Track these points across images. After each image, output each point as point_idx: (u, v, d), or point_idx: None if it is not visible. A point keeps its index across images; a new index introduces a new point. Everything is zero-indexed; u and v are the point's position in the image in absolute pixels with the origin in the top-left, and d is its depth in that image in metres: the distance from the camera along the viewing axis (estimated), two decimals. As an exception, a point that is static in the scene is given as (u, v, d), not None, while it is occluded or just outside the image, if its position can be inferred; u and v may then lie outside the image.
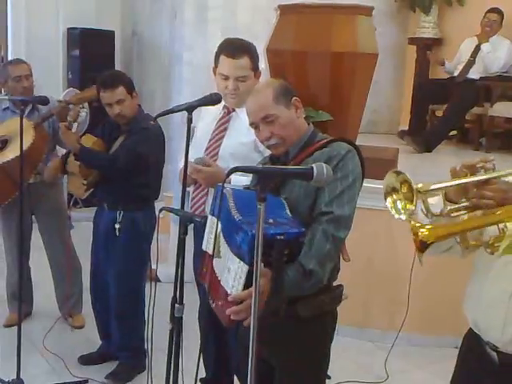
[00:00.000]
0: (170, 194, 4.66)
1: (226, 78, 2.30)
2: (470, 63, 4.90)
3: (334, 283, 1.81)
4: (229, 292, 1.57)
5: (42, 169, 3.25)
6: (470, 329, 1.70)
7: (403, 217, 1.46)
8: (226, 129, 2.40)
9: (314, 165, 1.45)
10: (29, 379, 2.80)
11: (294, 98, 1.78)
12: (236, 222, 1.57)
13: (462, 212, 1.47)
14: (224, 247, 1.62)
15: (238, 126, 2.33)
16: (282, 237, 1.51)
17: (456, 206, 1.46)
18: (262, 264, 1.49)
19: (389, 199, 1.47)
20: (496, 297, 1.57)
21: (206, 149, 2.40)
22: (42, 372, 3.01)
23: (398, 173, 1.45)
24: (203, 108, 2.43)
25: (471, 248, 1.53)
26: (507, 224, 1.35)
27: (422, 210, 1.49)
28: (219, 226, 1.65)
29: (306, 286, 1.63)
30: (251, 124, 1.81)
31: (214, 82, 2.45)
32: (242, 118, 2.30)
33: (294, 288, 1.60)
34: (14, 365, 2.73)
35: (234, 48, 2.29)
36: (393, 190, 1.46)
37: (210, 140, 2.41)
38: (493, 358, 1.61)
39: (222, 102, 2.35)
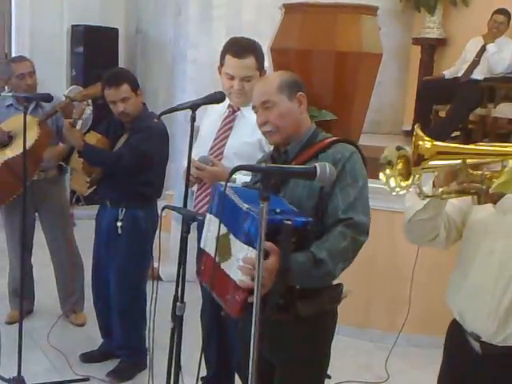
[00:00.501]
0: (172, 192, 4.66)
1: (232, 77, 2.29)
2: (475, 63, 4.88)
3: (334, 282, 1.81)
4: (238, 282, 1.57)
5: (46, 166, 3.25)
6: (453, 320, 1.72)
7: (398, 190, 1.46)
8: (231, 128, 2.40)
9: (317, 164, 1.45)
10: (30, 377, 2.81)
11: (300, 93, 1.78)
12: (243, 211, 1.58)
13: (453, 195, 1.49)
14: (234, 244, 1.62)
15: (243, 126, 2.33)
16: (290, 222, 1.53)
17: (447, 188, 1.47)
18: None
19: (382, 174, 1.48)
20: (481, 287, 1.59)
21: (211, 148, 2.40)
22: (43, 369, 3.01)
23: (399, 148, 1.45)
24: (209, 106, 2.44)
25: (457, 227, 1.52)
26: (510, 161, 1.34)
27: (414, 191, 1.49)
28: (223, 228, 1.65)
29: (315, 274, 1.61)
30: (253, 107, 1.82)
31: (218, 81, 2.45)
32: (247, 117, 2.30)
33: (302, 273, 1.59)
34: (15, 362, 2.73)
35: (240, 48, 2.29)
36: (388, 164, 1.46)
37: (215, 139, 2.40)
38: (475, 348, 1.63)
39: (227, 101, 2.35)
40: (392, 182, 1.46)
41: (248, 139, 2.25)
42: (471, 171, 1.43)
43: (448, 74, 5.14)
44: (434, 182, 1.51)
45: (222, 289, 1.65)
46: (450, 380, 1.76)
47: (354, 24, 3.84)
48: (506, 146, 1.40)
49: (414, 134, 1.40)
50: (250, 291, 1.53)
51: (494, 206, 1.47)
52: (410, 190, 1.47)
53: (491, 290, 1.57)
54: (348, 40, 3.79)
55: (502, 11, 4.79)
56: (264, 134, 1.82)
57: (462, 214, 1.67)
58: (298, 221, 1.57)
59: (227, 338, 2.49)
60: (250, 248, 1.55)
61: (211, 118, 2.48)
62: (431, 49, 5.62)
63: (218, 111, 2.44)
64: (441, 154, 1.38)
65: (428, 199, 1.53)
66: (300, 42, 3.89)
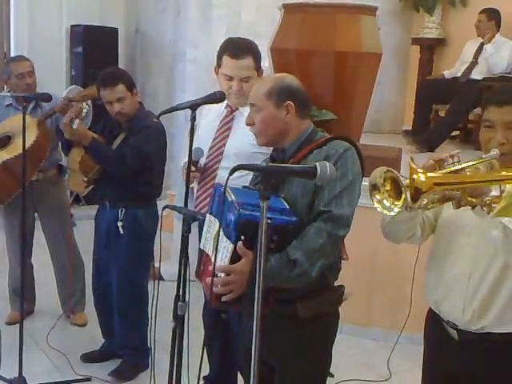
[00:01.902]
0: (173, 192, 4.66)
1: (230, 78, 2.29)
2: (473, 64, 4.90)
3: (336, 283, 1.81)
4: (214, 289, 1.58)
5: (46, 166, 3.25)
6: (429, 311, 1.79)
7: (396, 210, 1.46)
8: (229, 128, 2.40)
9: (317, 163, 1.45)
10: (31, 377, 2.80)
11: (289, 102, 1.75)
12: (229, 201, 1.59)
13: (436, 204, 1.51)
14: (222, 238, 1.63)
15: (242, 125, 2.32)
16: (270, 221, 1.50)
17: (431, 197, 1.49)
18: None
19: (374, 199, 1.48)
20: (456, 278, 1.65)
21: (210, 148, 2.39)
22: (44, 370, 3.01)
23: (388, 170, 1.45)
24: (205, 106, 2.44)
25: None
26: (507, 185, 1.36)
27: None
28: (217, 224, 1.65)
29: (290, 275, 1.60)
30: (249, 104, 1.83)
31: (217, 80, 2.44)
32: (246, 116, 2.30)
33: (275, 275, 1.58)
34: (16, 363, 2.73)
35: (238, 48, 2.28)
36: (373, 188, 1.47)
37: (214, 139, 2.40)
38: (453, 335, 1.69)
39: (225, 101, 2.35)
40: (386, 203, 1.47)
41: (247, 139, 2.24)
42: (470, 199, 1.45)
43: (448, 74, 5.15)
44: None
45: (206, 272, 1.66)
46: (432, 368, 1.81)
47: (354, 24, 3.84)
48: (500, 171, 1.42)
49: (408, 166, 1.40)
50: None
51: (472, 210, 1.49)
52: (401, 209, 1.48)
53: (465, 284, 1.63)
54: (348, 40, 3.79)
55: (482, 10, 4.87)
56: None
57: (434, 211, 1.73)
58: (280, 219, 1.55)
59: (230, 338, 2.49)
60: (228, 241, 1.56)
61: (208, 117, 2.47)
62: (430, 49, 5.64)
63: (215, 111, 2.44)
64: (438, 184, 1.39)
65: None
66: (300, 42, 3.89)
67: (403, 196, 1.40)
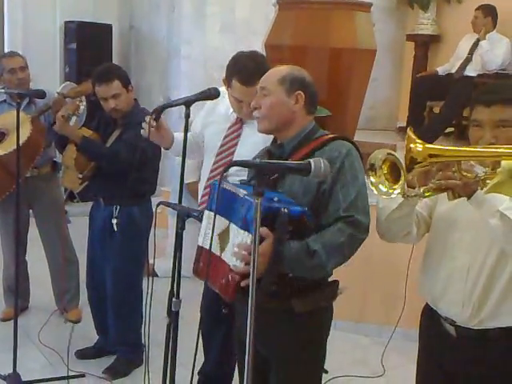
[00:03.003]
0: (167, 188, 4.66)
1: (240, 101, 2.28)
2: (468, 60, 4.91)
3: (330, 279, 1.81)
4: (231, 266, 1.59)
5: (40, 163, 3.24)
6: (425, 307, 1.78)
7: (390, 193, 1.47)
8: (239, 135, 2.39)
9: (311, 159, 1.45)
10: (25, 373, 2.80)
11: (299, 91, 1.75)
12: (240, 197, 1.60)
13: (432, 192, 1.51)
14: (232, 232, 1.63)
15: (253, 134, 2.28)
16: (286, 210, 1.54)
17: (427, 186, 1.49)
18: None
19: (369, 182, 1.49)
20: (454, 273, 1.64)
21: (218, 154, 2.39)
22: (38, 366, 3.01)
23: (390, 154, 1.46)
24: (210, 109, 2.43)
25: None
26: (503, 162, 1.34)
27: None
28: (224, 221, 1.65)
29: (307, 264, 1.62)
30: (259, 87, 1.83)
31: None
32: (255, 124, 2.28)
33: (294, 261, 1.60)
34: (11, 359, 2.73)
35: (247, 75, 2.20)
36: (370, 169, 1.48)
37: (222, 145, 2.39)
38: (450, 332, 1.68)
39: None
40: (382, 188, 1.48)
41: (257, 148, 2.10)
42: (465, 173, 1.45)
43: (441, 70, 5.16)
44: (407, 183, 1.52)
45: (218, 275, 1.66)
46: (428, 365, 1.80)
47: (348, 20, 3.84)
48: (498, 147, 1.41)
49: (406, 136, 1.41)
50: (244, 275, 1.56)
51: (468, 200, 1.48)
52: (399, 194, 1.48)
53: (464, 279, 1.62)
54: (342, 36, 3.79)
55: (478, 7, 4.88)
56: (256, 118, 1.83)
57: (428, 208, 1.73)
58: (295, 209, 1.58)
59: (229, 334, 2.49)
60: (246, 233, 1.56)
61: (214, 118, 2.46)
62: (425, 45, 5.65)
63: (221, 113, 2.43)
64: (433, 156, 1.39)
65: (401, 198, 1.55)
66: (294, 39, 3.89)
67: (401, 180, 1.41)
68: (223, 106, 2.33)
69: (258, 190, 1.41)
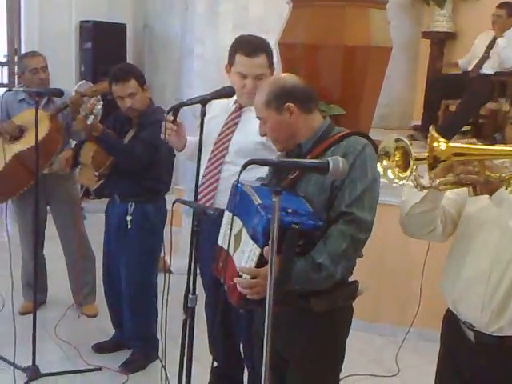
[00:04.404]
0: (181, 186, 4.68)
1: (244, 76, 2.28)
2: (484, 58, 4.86)
3: (349, 279, 1.81)
4: (236, 280, 1.60)
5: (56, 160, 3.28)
6: (448, 309, 1.74)
7: (397, 182, 1.45)
8: (236, 124, 2.40)
9: (329, 158, 1.45)
10: (44, 366, 2.86)
11: (288, 104, 1.74)
12: (255, 205, 1.59)
13: (450, 186, 1.49)
14: (244, 237, 1.63)
15: (249, 122, 2.32)
16: (297, 226, 1.53)
17: (444, 179, 1.46)
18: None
19: (379, 165, 1.47)
20: (475, 277, 1.60)
21: (215, 143, 2.40)
22: (56, 359, 3.06)
23: (398, 139, 1.44)
24: (212, 103, 2.44)
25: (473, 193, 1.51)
26: None
27: (412, 181, 1.49)
28: (239, 223, 1.65)
29: (315, 278, 1.62)
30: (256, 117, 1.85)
31: (225, 76, 2.44)
32: (253, 112, 2.30)
33: (301, 279, 1.60)
34: (30, 351, 2.79)
35: (251, 47, 2.27)
36: (385, 154, 1.46)
37: (220, 134, 2.40)
38: (469, 337, 1.65)
39: (234, 97, 2.35)
40: (390, 174, 1.46)
41: (253, 136, 2.18)
42: (488, 173, 1.42)
43: (462, 63, 5.09)
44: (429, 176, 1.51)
45: (230, 276, 1.67)
46: (447, 368, 1.77)
47: (363, 18, 3.82)
48: None
49: (429, 135, 1.39)
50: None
51: (489, 198, 1.46)
52: (407, 182, 1.47)
53: (485, 283, 1.58)
54: (357, 34, 3.76)
55: (501, 5, 4.77)
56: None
57: (457, 206, 1.68)
58: (307, 224, 1.56)
59: (233, 329, 2.50)
60: (255, 245, 1.56)
61: (215, 112, 2.45)
62: (440, 42, 5.59)
63: (223, 106, 2.43)
64: (457, 155, 1.37)
65: (425, 192, 1.53)
66: (308, 37, 3.87)
67: (409, 170, 1.39)
68: (225, 100, 2.32)
69: (276, 189, 1.41)
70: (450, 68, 5.38)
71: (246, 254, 1.60)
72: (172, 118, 2.24)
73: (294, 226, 1.52)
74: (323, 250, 1.61)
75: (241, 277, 1.61)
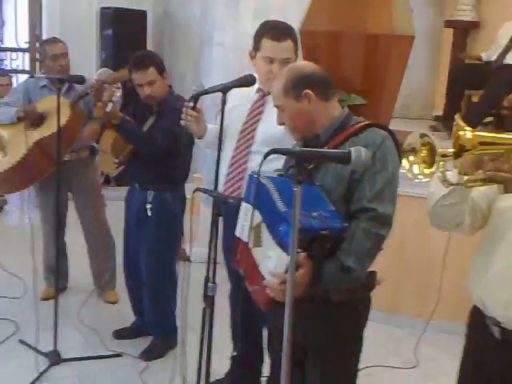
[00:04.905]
0: (199, 175, 4.68)
1: (272, 61, 2.27)
2: (508, 48, 4.76)
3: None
4: (265, 282, 1.59)
5: (78, 147, 3.30)
6: (474, 305, 1.71)
7: (421, 178, 1.43)
8: (261, 112, 2.39)
9: (352, 148, 1.44)
10: (65, 351, 2.90)
11: (306, 90, 1.73)
12: (281, 213, 1.57)
13: (479, 183, 1.45)
14: (265, 235, 1.62)
15: (274, 109, 2.31)
16: (326, 232, 1.53)
17: (473, 177, 1.43)
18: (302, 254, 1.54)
19: (405, 160, 1.45)
20: (502, 273, 1.57)
21: (241, 132, 2.39)
22: (77, 345, 3.09)
23: (423, 135, 1.42)
24: (234, 91, 2.42)
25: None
26: None
27: (438, 178, 1.47)
28: (258, 216, 1.64)
29: (343, 280, 1.64)
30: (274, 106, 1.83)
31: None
32: None
33: (331, 281, 1.62)
34: (52, 337, 2.83)
35: (279, 31, 2.27)
36: (412, 151, 1.44)
37: (245, 123, 2.39)
38: (495, 333, 1.62)
39: (256, 85, 2.33)
40: (415, 169, 1.44)
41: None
42: None
43: (485, 56, 5.01)
44: (459, 169, 1.48)
45: (253, 278, 1.67)
46: (471, 363, 1.75)
47: (386, 5, 3.75)
48: None
49: (455, 123, 1.36)
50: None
51: None
52: (434, 175, 1.44)
53: (510, 279, 1.55)
54: (379, 22, 3.71)
55: None
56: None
57: (488, 200, 1.64)
58: (336, 228, 1.56)
59: (256, 318, 2.51)
60: (284, 254, 1.54)
61: (236, 100, 2.45)
62: (464, 32, 5.50)
63: (243, 95, 2.42)
64: (483, 144, 1.34)
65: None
66: (330, 24, 3.82)
67: (434, 166, 1.37)
68: (246, 88, 2.31)
69: (297, 179, 1.40)
70: (473, 53, 5.29)
71: (273, 261, 1.59)
72: (192, 105, 2.24)
73: (323, 232, 1.53)
74: (349, 252, 1.62)
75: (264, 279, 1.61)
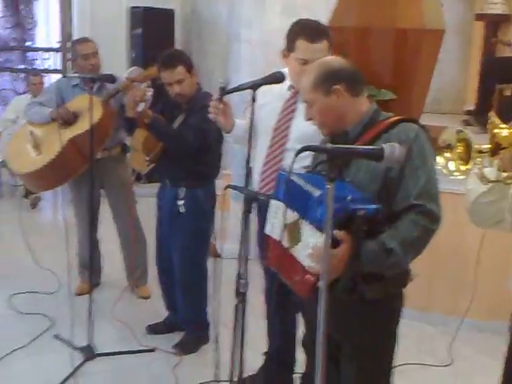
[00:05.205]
0: (229, 171, 4.70)
1: (305, 62, 2.25)
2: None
3: None
4: (307, 267, 1.58)
5: (110, 145, 3.35)
6: None
7: (457, 174, 1.41)
8: (294, 110, 2.38)
9: (384, 145, 1.42)
10: (99, 346, 2.94)
11: (335, 86, 1.71)
12: (315, 198, 1.57)
13: None
14: (305, 228, 1.61)
15: None
16: (363, 212, 1.52)
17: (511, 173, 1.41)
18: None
19: (441, 157, 1.43)
20: None
21: (275, 130, 2.39)
22: (111, 339, 3.13)
23: (459, 131, 1.40)
24: (265, 88, 2.42)
25: None
26: None
27: (476, 175, 1.44)
28: (292, 214, 1.64)
29: (384, 263, 1.60)
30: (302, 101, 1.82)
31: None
32: None
33: (371, 261, 1.58)
34: (85, 332, 2.87)
35: (313, 32, 2.25)
36: (447, 147, 1.42)
37: (279, 121, 2.39)
38: None
39: (287, 82, 2.33)
40: (451, 166, 1.42)
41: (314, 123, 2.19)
42: None
43: None
44: (498, 166, 1.46)
45: (290, 271, 1.66)
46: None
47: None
48: None
49: (490, 121, 1.34)
50: (319, 276, 1.53)
51: None
52: (471, 172, 1.42)
53: None
54: (409, 16, 3.67)
55: None
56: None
57: None
58: (371, 209, 1.55)
59: (291, 315, 2.52)
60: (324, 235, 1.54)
61: (268, 98, 2.44)
62: (494, 25, 5.41)
63: (275, 92, 2.41)
64: None
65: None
66: (359, 19, 3.79)
67: (471, 161, 1.35)
68: (277, 85, 2.30)
69: (330, 176, 1.39)
70: (504, 48, 5.18)
71: (311, 246, 1.58)
72: (218, 97, 2.23)
73: (359, 212, 1.52)
74: (394, 236, 1.59)
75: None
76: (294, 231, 1.64)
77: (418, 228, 1.60)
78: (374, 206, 1.56)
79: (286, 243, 1.67)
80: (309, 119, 1.79)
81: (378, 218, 1.58)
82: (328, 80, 1.72)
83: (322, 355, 1.43)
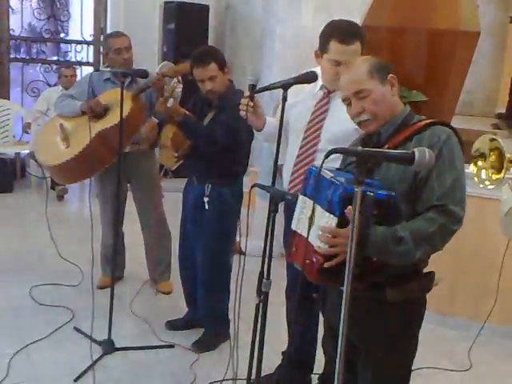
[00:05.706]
0: (255, 169, 4.71)
1: (338, 63, 2.24)
2: None
3: (425, 270, 1.77)
4: (315, 248, 1.59)
5: (139, 139, 3.37)
6: None
7: (488, 184, 1.39)
8: (326, 110, 2.37)
9: (415, 149, 1.42)
10: (118, 340, 2.94)
11: (391, 74, 1.73)
12: (327, 180, 1.59)
13: None
14: (317, 213, 1.62)
15: (341, 108, 2.28)
16: (372, 194, 1.52)
17: None
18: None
19: (473, 165, 1.41)
20: None
21: (306, 130, 2.38)
22: (131, 334, 3.14)
23: (492, 139, 1.38)
24: (297, 86, 2.42)
25: None
26: None
27: (509, 184, 1.42)
28: (311, 205, 1.65)
29: (393, 250, 1.57)
30: (344, 99, 1.78)
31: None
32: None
33: (379, 246, 1.56)
34: (105, 326, 2.88)
35: (347, 33, 2.23)
36: (480, 156, 1.40)
37: (310, 121, 2.38)
38: None
39: (319, 82, 2.33)
40: (483, 175, 1.40)
41: (345, 121, 2.09)
42: None
43: None
44: None
45: (303, 256, 1.66)
46: None
47: (452, 0, 3.66)
48: None
49: None
50: (327, 257, 1.57)
51: None
52: (506, 184, 1.40)
53: None
54: (444, 17, 3.61)
55: None
56: (359, 124, 1.78)
57: None
58: (381, 193, 1.55)
59: (313, 319, 2.51)
60: (332, 216, 1.56)
61: (300, 97, 2.44)
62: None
63: (306, 92, 2.41)
64: None
65: None
66: (393, 19, 3.75)
67: (502, 172, 1.33)
68: (309, 85, 2.29)
69: (358, 179, 1.40)
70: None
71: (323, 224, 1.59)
72: (248, 94, 2.24)
73: (368, 193, 1.51)
74: (408, 227, 1.58)
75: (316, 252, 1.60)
76: (311, 219, 1.65)
77: (435, 225, 1.58)
78: (384, 192, 1.56)
79: (305, 234, 1.68)
80: (360, 112, 1.73)
81: (390, 204, 1.57)
82: (382, 69, 1.73)
83: (342, 356, 1.43)
